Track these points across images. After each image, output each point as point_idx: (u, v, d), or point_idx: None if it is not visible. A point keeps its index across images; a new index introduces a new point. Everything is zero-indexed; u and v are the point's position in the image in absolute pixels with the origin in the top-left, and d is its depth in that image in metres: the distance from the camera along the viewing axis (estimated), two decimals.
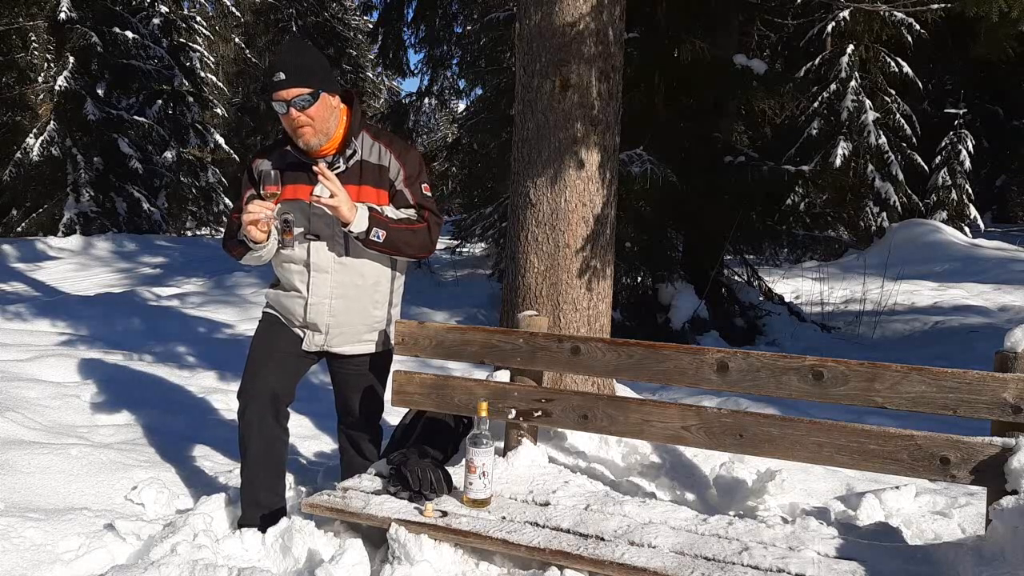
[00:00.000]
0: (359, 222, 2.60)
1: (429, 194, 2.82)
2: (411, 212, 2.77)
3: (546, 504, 2.58)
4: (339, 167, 2.70)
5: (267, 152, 2.84)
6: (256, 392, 2.80)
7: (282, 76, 2.56)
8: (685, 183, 7.40)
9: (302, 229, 2.72)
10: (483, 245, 13.17)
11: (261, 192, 2.64)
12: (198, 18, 21.43)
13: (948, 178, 17.11)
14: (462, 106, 18.85)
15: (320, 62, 2.68)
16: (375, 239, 2.64)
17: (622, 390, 3.59)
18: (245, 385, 2.83)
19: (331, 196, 2.57)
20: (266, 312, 2.93)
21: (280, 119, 2.66)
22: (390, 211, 2.73)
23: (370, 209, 2.64)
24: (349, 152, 2.71)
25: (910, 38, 12.94)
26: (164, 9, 19.70)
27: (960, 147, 17.24)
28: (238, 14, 25.37)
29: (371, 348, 2.89)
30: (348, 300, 2.77)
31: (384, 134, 2.85)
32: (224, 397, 4.68)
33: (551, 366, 2.81)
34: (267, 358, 2.84)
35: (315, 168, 2.60)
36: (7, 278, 10.27)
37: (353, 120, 2.74)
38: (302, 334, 2.84)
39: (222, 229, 21.06)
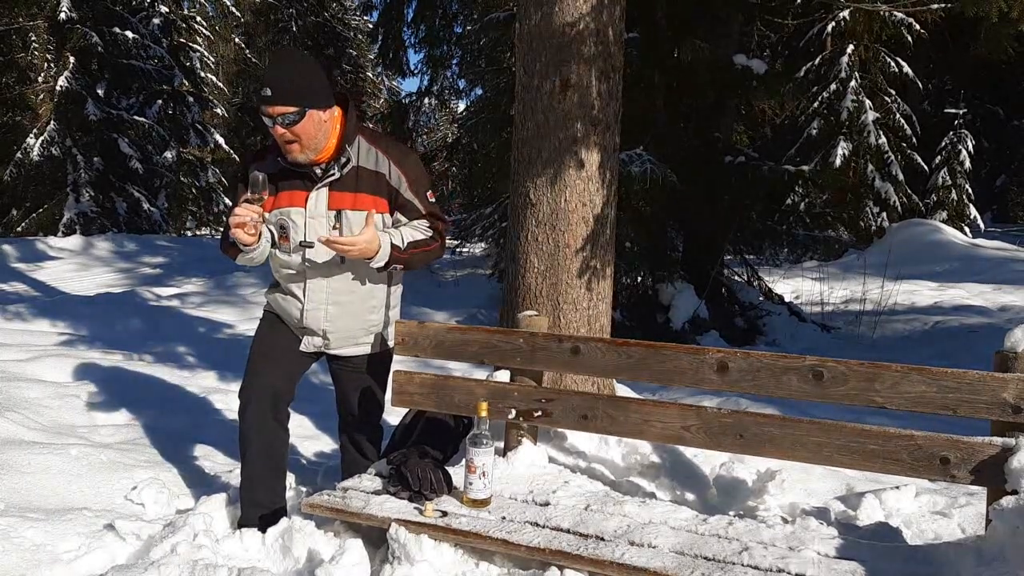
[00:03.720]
0: (379, 260, 2.64)
1: (434, 200, 2.83)
2: (423, 223, 2.78)
3: (546, 504, 2.58)
4: (333, 175, 2.68)
5: (262, 155, 2.81)
6: (257, 390, 2.81)
7: (268, 92, 2.53)
8: (685, 183, 7.40)
9: (299, 236, 2.70)
10: (483, 245, 13.16)
11: (249, 195, 2.60)
12: (198, 18, 21.43)
13: (948, 178, 17.11)
14: (462, 106, 18.82)
15: (309, 77, 2.60)
16: (394, 271, 2.79)
17: (622, 390, 3.59)
18: (246, 383, 2.84)
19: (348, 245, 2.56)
20: (267, 311, 2.95)
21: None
22: (405, 231, 2.73)
23: (392, 247, 2.64)
24: (343, 160, 2.68)
25: (910, 38, 12.94)
26: (164, 9, 19.68)
27: (960, 147, 17.24)
28: (238, 14, 25.36)
29: (370, 349, 2.90)
30: (343, 306, 2.78)
31: (382, 139, 2.82)
32: (224, 397, 4.68)
33: (551, 366, 2.81)
34: (268, 356, 2.85)
35: (319, 240, 2.58)
36: (7, 278, 10.27)
37: (348, 126, 2.69)
38: (300, 336, 2.86)
39: (222, 229, 21.05)
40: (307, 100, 2.56)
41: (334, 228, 2.68)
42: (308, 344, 2.84)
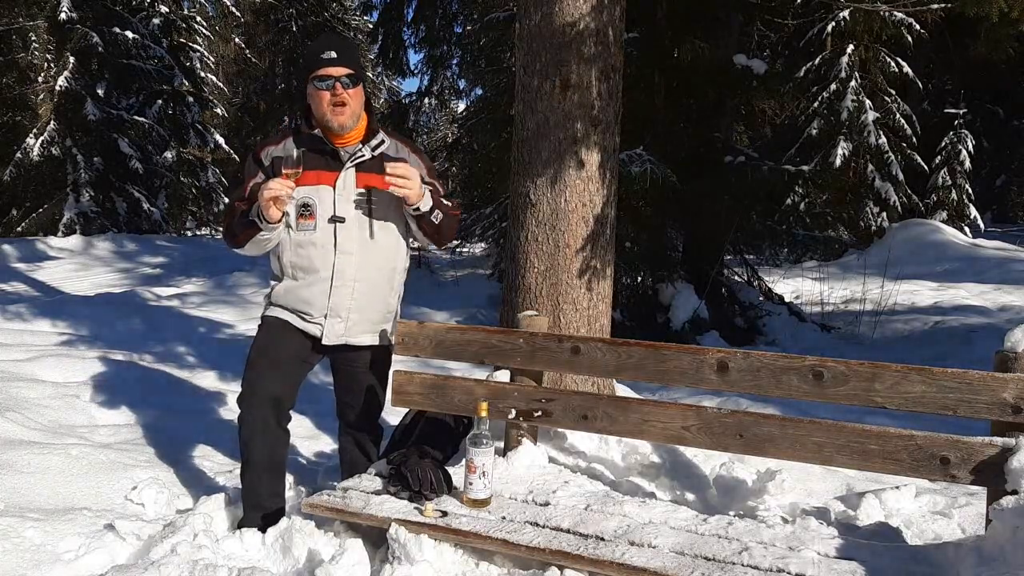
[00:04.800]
0: (425, 202, 2.75)
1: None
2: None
3: (546, 504, 2.58)
4: (363, 156, 2.78)
5: (276, 141, 2.86)
6: (258, 397, 2.79)
7: (334, 55, 2.70)
8: (685, 183, 7.41)
9: (329, 212, 2.75)
10: (483, 245, 13.18)
11: (283, 173, 2.66)
12: (198, 18, 21.39)
13: (948, 178, 17.10)
14: (462, 106, 18.82)
15: (359, 54, 2.86)
16: (433, 219, 2.79)
17: (622, 390, 3.59)
18: (246, 390, 2.81)
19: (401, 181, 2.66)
20: (267, 316, 2.90)
21: (312, 97, 2.73)
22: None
23: (432, 191, 2.80)
24: (375, 142, 2.82)
25: (910, 38, 12.93)
26: (164, 9, 19.66)
27: (960, 147, 17.22)
28: (238, 14, 25.34)
29: (378, 340, 2.91)
30: (370, 283, 2.82)
31: (395, 133, 2.99)
32: (224, 397, 4.68)
33: (551, 366, 2.81)
34: (268, 362, 2.82)
35: (387, 167, 2.68)
36: (7, 278, 10.27)
37: (372, 117, 2.88)
38: (319, 329, 2.81)
39: (222, 229, 21.05)
40: (361, 70, 2.81)
41: (367, 203, 2.77)
42: (331, 333, 2.81)
